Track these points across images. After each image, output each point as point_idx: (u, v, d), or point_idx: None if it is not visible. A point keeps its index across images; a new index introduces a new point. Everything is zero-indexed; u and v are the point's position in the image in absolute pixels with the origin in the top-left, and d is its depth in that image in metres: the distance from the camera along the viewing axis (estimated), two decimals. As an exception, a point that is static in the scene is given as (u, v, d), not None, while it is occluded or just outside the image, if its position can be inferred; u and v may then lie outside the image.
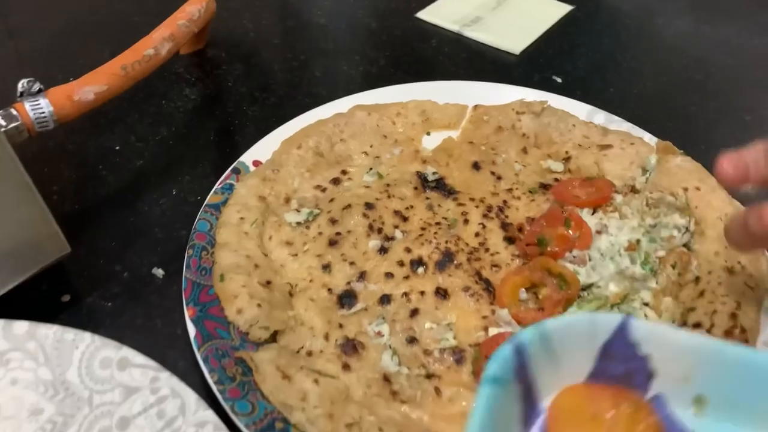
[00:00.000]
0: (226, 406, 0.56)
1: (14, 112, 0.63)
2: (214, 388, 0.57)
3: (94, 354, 0.59)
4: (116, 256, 0.73)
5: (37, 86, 0.64)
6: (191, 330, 0.61)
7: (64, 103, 0.65)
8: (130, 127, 0.89)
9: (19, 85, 0.64)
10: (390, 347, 0.64)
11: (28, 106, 0.63)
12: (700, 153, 0.77)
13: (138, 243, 0.74)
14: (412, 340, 0.64)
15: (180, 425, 0.55)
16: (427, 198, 0.78)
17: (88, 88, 0.66)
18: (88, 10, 1.12)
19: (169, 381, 0.58)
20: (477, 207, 0.76)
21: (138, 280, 0.71)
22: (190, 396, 0.56)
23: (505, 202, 0.77)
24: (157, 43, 0.72)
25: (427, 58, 1.03)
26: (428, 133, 0.87)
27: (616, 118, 0.85)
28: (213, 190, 0.74)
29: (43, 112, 0.64)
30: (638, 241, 0.69)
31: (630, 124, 0.84)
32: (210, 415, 0.55)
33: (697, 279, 0.68)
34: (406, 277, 0.69)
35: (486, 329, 0.65)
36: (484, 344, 0.63)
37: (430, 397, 0.60)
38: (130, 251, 0.73)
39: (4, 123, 0.61)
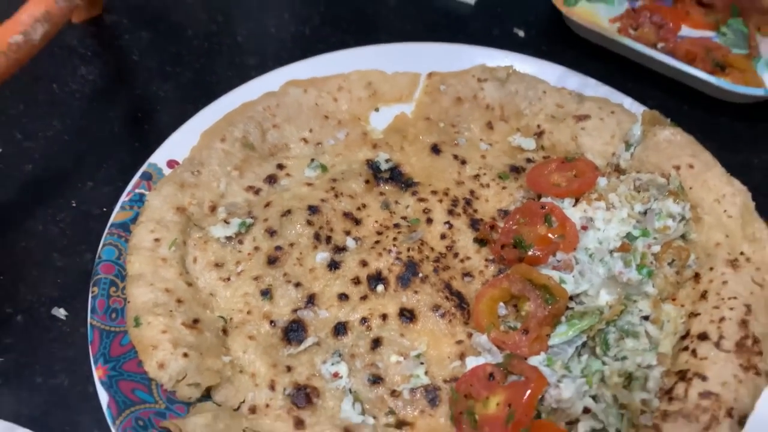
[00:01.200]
0: (153, 500, 0.45)
1: None
2: (135, 477, 0.46)
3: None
4: (6, 294, 0.59)
5: None
6: (103, 397, 0.49)
7: None
8: (15, 120, 0.73)
9: None
10: (350, 391, 0.53)
11: None
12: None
13: (32, 275, 0.61)
14: (376, 380, 0.53)
15: None
16: (382, 193, 0.66)
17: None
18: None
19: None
20: (440, 201, 0.65)
21: (35, 325, 0.57)
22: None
23: (472, 192, 0.66)
24: (26, 26, 0.56)
25: (369, 14, 0.89)
26: (377, 109, 0.74)
27: (591, 80, 0.74)
28: (119, 204, 0.61)
29: None
30: (629, 234, 0.59)
31: (608, 88, 0.73)
32: None
33: (696, 276, 0.59)
34: (364, 298, 0.58)
35: (462, 357, 0.55)
36: (462, 380, 0.53)
37: (403, 453, 0.50)
38: (23, 287, 0.60)
39: None
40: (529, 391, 0.49)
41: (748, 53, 0.84)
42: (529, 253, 0.58)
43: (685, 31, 0.87)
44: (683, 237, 0.61)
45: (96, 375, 0.50)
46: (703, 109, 0.77)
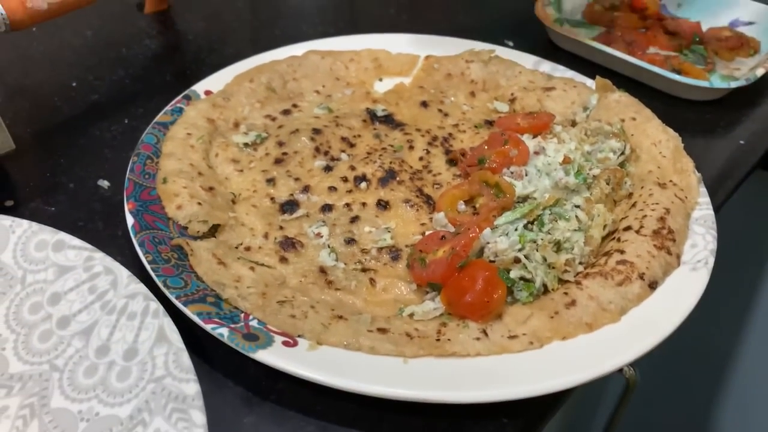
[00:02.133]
0: (158, 281, 0.56)
1: (-34, 10, 0.64)
2: (147, 266, 0.57)
3: (30, 238, 0.60)
4: (63, 170, 0.73)
5: (-10, -11, 0.66)
6: (129, 220, 0.62)
7: (16, 8, 0.67)
8: (89, 68, 0.90)
9: (-27, -13, 0.66)
10: (329, 246, 0.64)
11: (-21, 6, 0.65)
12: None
13: (86, 160, 0.75)
14: (350, 241, 0.65)
15: (111, 298, 0.55)
16: (375, 129, 0.80)
17: (41, -2, 0.68)
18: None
19: (103, 260, 0.58)
20: (423, 136, 0.78)
21: (83, 190, 0.71)
22: (123, 272, 0.57)
23: (450, 134, 0.79)
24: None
25: (384, 24, 1.07)
26: (380, 79, 0.89)
27: (560, 67, 0.88)
28: (163, 111, 0.76)
29: (-5, 14, 0.65)
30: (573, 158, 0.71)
31: (574, 72, 0.87)
32: (141, 287, 0.55)
33: (630, 195, 0.70)
34: (349, 191, 0.71)
35: (423, 234, 0.66)
36: (420, 242, 0.64)
37: (365, 287, 0.61)
38: (78, 167, 0.74)
39: (-46, 19, 0.63)
40: (470, 234, 0.60)
41: (705, 67, 0.98)
42: (486, 164, 0.71)
43: (653, 50, 1.02)
44: (621, 166, 0.72)
45: (126, 208, 0.63)
46: (660, 103, 0.90)
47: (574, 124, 0.80)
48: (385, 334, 0.54)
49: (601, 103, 0.79)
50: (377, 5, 1.14)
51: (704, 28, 1.06)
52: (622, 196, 0.70)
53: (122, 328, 0.54)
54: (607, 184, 0.69)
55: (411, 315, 0.57)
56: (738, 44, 1.02)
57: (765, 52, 1.00)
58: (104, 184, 0.72)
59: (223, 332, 0.52)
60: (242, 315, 0.55)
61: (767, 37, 1.02)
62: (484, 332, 0.55)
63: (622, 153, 0.72)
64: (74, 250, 0.59)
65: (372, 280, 0.61)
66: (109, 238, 0.66)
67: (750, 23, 1.05)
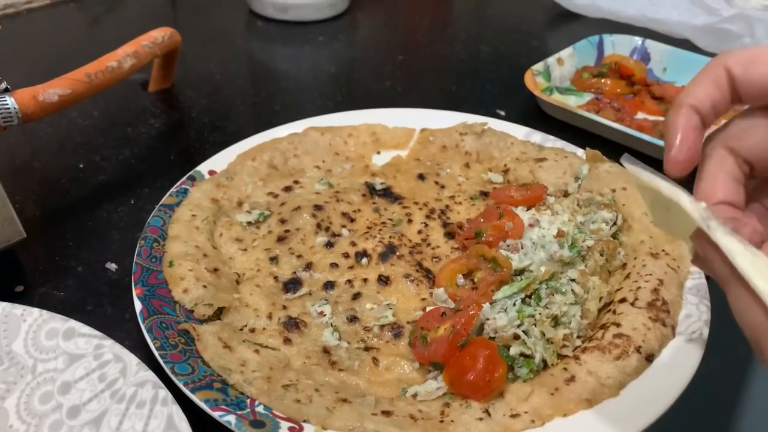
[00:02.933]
0: (167, 368, 0.57)
1: (-19, 106, 0.67)
2: (155, 352, 0.59)
3: (41, 326, 0.61)
4: (72, 254, 0.75)
5: (4, 85, 0.69)
6: (137, 305, 0.63)
7: (29, 102, 0.70)
8: (95, 149, 0.93)
9: (-12, 84, 0.69)
10: (331, 325, 0.66)
11: (-6, 102, 0.68)
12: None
13: (94, 243, 0.77)
14: (353, 319, 0.67)
15: (120, 386, 0.57)
16: (374, 203, 0.82)
17: (52, 91, 0.71)
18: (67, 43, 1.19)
19: (112, 348, 0.59)
20: (420, 209, 0.81)
21: (91, 274, 0.73)
22: (132, 360, 0.58)
23: (447, 206, 0.82)
24: (120, 58, 0.78)
25: (381, 97, 1.10)
26: (378, 152, 0.92)
27: (551, 137, 0.91)
28: (168, 193, 0.78)
29: (8, 109, 0.68)
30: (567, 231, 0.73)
31: (564, 142, 0.90)
32: (150, 375, 0.57)
33: (624, 266, 0.72)
34: (351, 267, 0.72)
35: (424, 310, 0.68)
36: (420, 319, 0.65)
37: (368, 367, 0.62)
38: (86, 250, 0.76)
39: (-30, 115, 0.66)
40: (470, 312, 0.61)
41: (692, 132, 1.01)
42: (483, 238, 0.73)
43: (641, 116, 1.06)
44: (614, 237, 0.74)
45: (134, 293, 0.64)
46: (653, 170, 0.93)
47: (566, 194, 0.82)
48: (390, 417, 0.55)
49: (592, 173, 0.82)
50: (373, 79, 1.18)
51: (689, 91, 1.10)
52: (616, 267, 0.72)
53: (132, 417, 0.55)
54: (601, 255, 0.71)
55: (414, 395, 0.59)
56: (723, 107, 1.05)
57: (749, 114, 1.03)
58: (112, 266, 0.74)
59: (230, 420, 0.53)
60: (248, 401, 0.56)
61: (750, 100, 1.05)
62: (487, 412, 0.56)
63: (615, 223, 0.75)
64: (84, 338, 0.60)
65: (375, 359, 0.63)
66: (117, 322, 0.67)
67: (733, 86, 1.09)
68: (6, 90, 0.70)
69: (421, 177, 0.86)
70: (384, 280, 0.71)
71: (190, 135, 0.98)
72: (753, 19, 1.21)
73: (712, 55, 1.18)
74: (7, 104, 0.69)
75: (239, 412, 0.54)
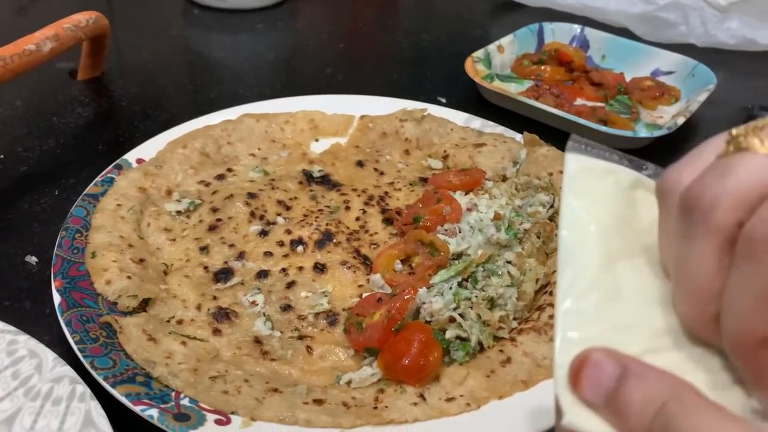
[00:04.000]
0: (86, 362, 0.54)
1: None
2: (74, 346, 0.56)
3: (-51, 324, 0.57)
4: (-11, 249, 0.71)
5: None
6: (56, 298, 0.60)
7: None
8: (18, 139, 0.89)
9: None
10: (264, 314, 0.64)
11: None
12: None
13: (14, 236, 0.73)
14: (286, 308, 0.65)
15: (35, 383, 0.53)
16: (311, 190, 0.80)
17: (-37, 74, 0.67)
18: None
19: (27, 343, 0.56)
20: (359, 196, 0.79)
21: (9, 268, 0.69)
22: (48, 355, 0.55)
23: (386, 193, 0.80)
24: (39, 41, 0.74)
25: (321, 85, 1.08)
26: (317, 140, 0.90)
27: (491, 123, 0.91)
28: (93, 182, 0.74)
29: None
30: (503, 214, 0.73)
31: (504, 128, 0.90)
32: (67, 370, 0.54)
33: (561, 247, 0.71)
34: (286, 256, 0.70)
35: (361, 296, 0.66)
36: (356, 305, 0.64)
37: (301, 356, 0.60)
38: (4, 244, 0.72)
39: None
40: (405, 296, 0.60)
41: (629, 117, 1.02)
42: (421, 223, 0.72)
43: (580, 102, 1.07)
44: (551, 220, 0.74)
45: (54, 286, 0.61)
46: (589, 152, 0.93)
47: (504, 179, 0.82)
48: (322, 406, 0.53)
49: (530, 157, 0.82)
50: (313, 66, 1.16)
51: (627, 78, 1.11)
52: (553, 249, 0.72)
53: (47, 415, 0.51)
54: (538, 237, 0.71)
55: (348, 383, 0.57)
56: (660, 93, 1.06)
57: (684, 100, 1.05)
58: (32, 260, 0.70)
59: (153, 413, 0.51)
60: (173, 394, 0.53)
61: (686, 85, 1.07)
62: (422, 396, 0.54)
63: (551, 206, 0.74)
64: (-4, 334, 0.56)
65: (309, 348, 0.61)
66: (37, 317, 0.64)
67: (670, 72, 1.11)
68: None
69: (360, 164, 0.85)
70: (320, 268, 0.69)
71: (120, 124, 0.94)
72: (688, 8, 1.23)
73: (649, 43, 1.19)
74: None
75: (163, 406, 0.51)
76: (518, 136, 0.88)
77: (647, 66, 1.13)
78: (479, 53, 1.08)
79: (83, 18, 0.83)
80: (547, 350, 0.58)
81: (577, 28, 1.20)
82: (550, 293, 0.65)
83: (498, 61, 1.11)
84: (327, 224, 0.73)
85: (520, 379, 0.56)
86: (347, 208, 0.77)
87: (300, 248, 0.71)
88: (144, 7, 1.35)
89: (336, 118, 0.92)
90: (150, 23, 1.27)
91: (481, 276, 0.65)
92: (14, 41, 0.74)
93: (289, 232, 0.72)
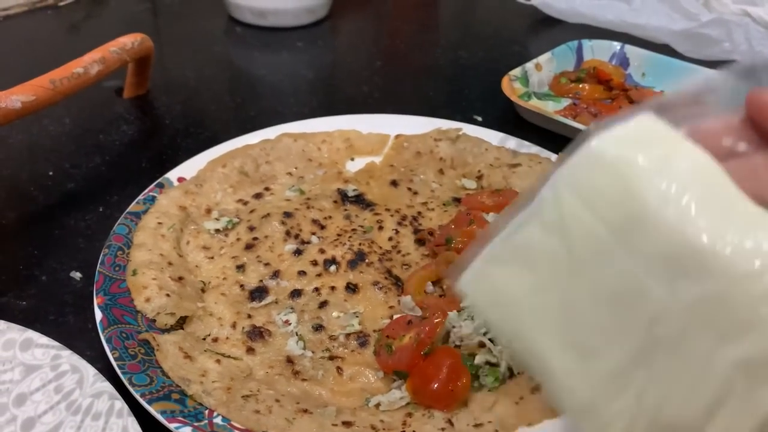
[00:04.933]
0: (124, 379, 0.56)
1: (-60, 113, 0.66)
2: (113, 363, 0.58)
3: (-2, 337, 0.60)
4: (36, 262, 0.74)
5: (-35, 91, 0.68)
6: (98, 315, 0.62)
7: (-10, 108, 0.69)
8: (66, 156, 0.92)
9: (-52, 90, 0.68)
10: (296, 334, 0.65)
11: (-46, 109, 0.67)
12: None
13: (60, 252, 0.76)
14: (318, 328, 0.66)
15: (76, 398, 0.55)
16: (346, 210, 0.81)
17: (15, 97, 0.70)
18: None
19: (70, 358, 0.58)
20: (392, 216, 0.80)
21: (55, 283, 0.72)
22: (89, 371, 0.57)
23: (419, 213, 0.81)
24: (86, 64, 0.77)
25: (357, 102, 1.10)
26: (352, 159, 0.91)
27: (526, 143, 0.91)
28: (135, 200, 0.77)
29: (-31, 115, 0.68)
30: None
31: (539, 148, 0.90)
32: (106, 386, 0.56)
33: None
34: (319, 275, 0.71)
35: (392, 318, 0.67)
36: (386, 327, 0.64)
37: (332, 376, 0.61)
38: (51, 258, 0.75)
39: (-71, 122, 0.65)
40: (435, 320, 0.60)
41: (669, 137, 1.01)
42: (453, 244, 0.72)
43: (618, 121, 1.05)
44: (585, 243, 0.74)
45: (96, 302, 0.63)
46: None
47: (539, 200, 0.81)
48: (350, 428, 0.54)
49: (565, 178, 0.81)
50: (351, 84, 1.18)
51: (667, 97, 1.09)
52: (587, 273, 0.71)
53: (87, 429, 0.53)
54: (572, 261, 0.70)
55: (377, 405, 0.58)
56: (700, 112, 1.05)
57: (726, 119, 1.03)
58: (76, 275, 0.72)
59: (186, 431, 0.52)
60: (207, 412, 0.55)
61: (725, 103, 1.05)
62: (450, 422, 0.55)
63: (586, 229, 0.74)
64: (42, 349, 0.59)
65: (339, 369, 0.62)
66: (80, 332, 0.66)
67: (711, 91, 1.08)
68: (-33, 96, 0.69)
69: (394, 183, 0.86)
70: (352, 288, 0.70)
71: (163, 141, 0.97)
72: (732, 25, 1.21)
73: (691, 60, 1.18)
74: (-32, 111, 0.68)
75: (196, 424, 0.53)
76: (554, 157, 0.87)
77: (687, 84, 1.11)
78: (516, 71, 1.08)
79: (129, 41, 0.87)
80: (578, 378, 0.58)
81: (616, 45, 1.19)
82: (582, 319, 0.64)
83: (536, 79, 1.11)
84: (360, 244, 0.74)
85: (549, 407, 0.56)
86: (380, 228, 0.78)
87: (333, 268, 0.72)
88: (189, 23, 1.38)
89: (371, 137, 0.93)
90: (194, 41, 1.30)
91: (512, 300, 0.64)
92: (64, 64, 0.77)
93: (322, 251, 0.74)
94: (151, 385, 0.56)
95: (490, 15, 1.53)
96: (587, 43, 1.19)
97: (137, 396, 0.55)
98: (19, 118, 0.72)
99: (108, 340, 0.60)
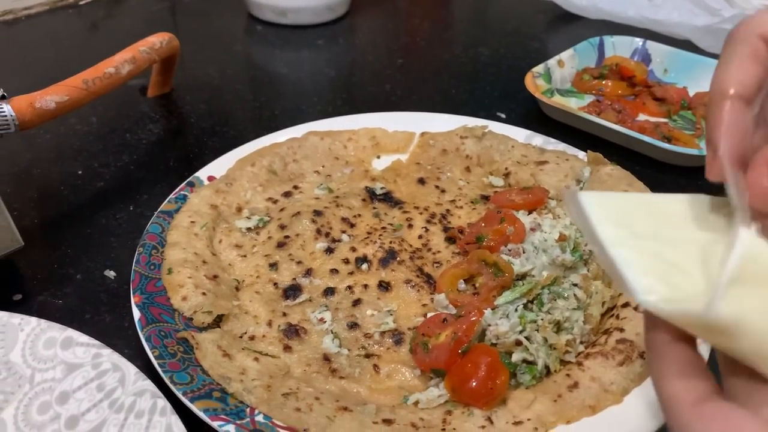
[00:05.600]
0: (165, 378, 0.57)
1: (-23, 114, 0.67)
2: (154, 361, 0.58)
3: (39, 335, 0.61)
4: (70, 262, 0.75)
5: (0, 92, 0.68)
6: (136, 314, 0.63)
7: (26, 109, 0.69)
8: (94, 155, 0.93)
9: (-16, 91, 0.68)
10: (332, 332, 0.65)
11: (-9, 109, 0.67)
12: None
13: (93, 250, 0.77)
14: (353, 326, 0.66)
15: (119, 396, 0.56)
16: (374, 208, 0.82)
17: (49, 98, 0.71)
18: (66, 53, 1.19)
19: (110, 357, 0.59)
20: (421, 214, 0.80)
21: (90, 281, 0.73)
22: (130, 369, 0.57)
23: (448, 210, 0.81)
24: (118, 64, 0.78)
25: (380, 101, 1.10)
26: (378, 157, 0.92)
27: (552, 140, 0.91)
28: (167, 199, 0.78)
29: (5, 116, 0.68)
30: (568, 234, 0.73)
31: (566, 145, 0.89)
32: (148, 384, 0.56)
33: (627, 269, 0.71)
34: (351, 273, 0.72)
35: (425, 316, 0.67)
36: (422, 325, 0.65)
37: (369, 374, 0.62)
38: (85, 257, 0.76)
39: (-33, 123, 0.65)
40: (471, 318, 0.61)
41: (694, 133, 1.01)
42: (485, 243, 0.72)
43: (642, 117, 1.05)
44: (616, 240, 0.74)
45: (133, 301, 0.64)
46: (652, 170, 0.92)
47: (568, 197, 0.81)
48: (391, 426, 0.54)
49: (594, 176, 0.81)
50: (373, 82, 1.18)
51: (691, 93, 1.09)
52: (618, 271, 0.71)
53: (130, 427, 0.54)
54: (604, 259, 0.70)
55: (416, 403, 0.58)
56: (724, 108, 1.04)
57: (751, 115, 1.03)
58: (110, 274, 0.73)
59: (230, 429, 0.53)
60: (248, 410, 0.55)
61: (752, 100, 1.04)
62: (489, 419, 0.55)
63: (617, 227, 0.74)
64: (82, 347, 0.60)
65: (375, 366, 0.62)
66: (116, 330, 0.67)
67: (735, 87, 1.08)
68: (3, 97, 0.69)
69: (421, 181, 0.86)
70: (384, 286, 0.70)
71: (189, 140, 0.98)
72: (754, 20, 1.20)
73: (713, 56, 1.17)
74: (4, 112, 0.68)
75: (239, 422, 0.53)
76: (581, 154, 0.87)
77: (710, 80, 1.11)
78: (539, 68, 1.08)
79: (157, 40, 0.87)
80: (615, 375, 0.58)
81: (638, 41, 1.18)
82: (617, 317, 0.64)
83: (558, 75, 1.11)
84: (390, 242, 0.75)
85: (587, 404, 0.56)
86: (410, 226, 0.78)
87: (365, 266, 0.72)
88: (207, 22, 1.39)
89: (397, 135, 0.93)
90: (214, 39, 1.31)
91: (546, 298, 0.65)
92: (95, 65, 0.77)
93: (353, 249, 0.74)
94: (192, 383, 0.57)
95: (508, 11, 1.53)
96: (609, 40, 1.19)
97: (179, 394, 0.55)
98: (52, 118, 0.73)
99: (147, 339, 0.60)
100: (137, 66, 0.81)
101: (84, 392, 0.57)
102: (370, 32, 1.40)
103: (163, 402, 0.55)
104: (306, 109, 1.06)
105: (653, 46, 1.17)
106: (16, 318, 0.62)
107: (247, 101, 1.09)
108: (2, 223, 0.66)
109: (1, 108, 0.68)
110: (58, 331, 0.61)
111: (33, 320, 0.62)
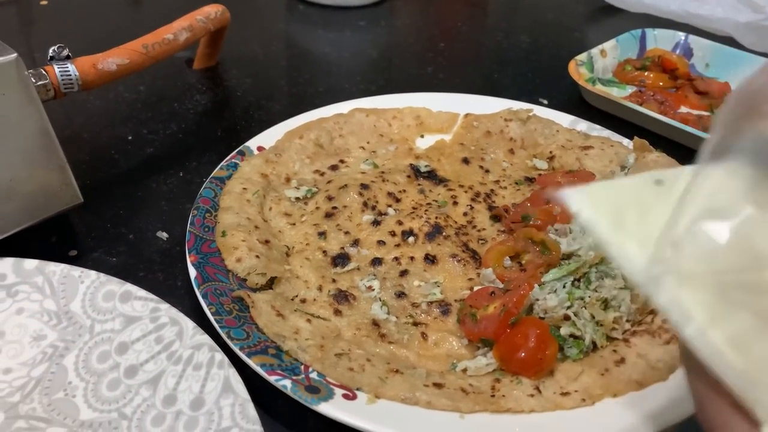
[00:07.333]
0: (222, 333, 0.58)
1: (44, 72, 0.68)
2: (211, 317, 0.60)
3: (99, 288, 0.63)
4: (123, 222, 0.77)
5: (65, 52, 0.70)
6: (192, 272, 0.64)
7: (89, 70, 0.71)
8: (143, 122, 0.95)
9: (51, 50, 0.70)
10: (380, 299, 0.67)
11: (56, 68, 0.69)
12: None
13: (144, 212, 0.78)
14: (401, 295, 0.67)
15: (177, 348, 0.58)
16: (419, 184, 0.83)
17: (111, 60, 0.72)
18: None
19: (168, 311, 0.60)
20: (466, 192, 0.81)
21: (143, 241, 0.74)
22: (188, 323, 0.59)
23: (492, 190, 0.82)
24: (176, 30, 0.80)
25: (423, 82, 1.11)
26: (422, 136, 0.93)
27: (597, 126, 0.91)
28: (219, 166, 0.79)
29: (69, 75, 0.70)
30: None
31: (610, 132, 0.90)
32: (206, 338, 0.58)
33: (671, 254, 0.72)
34: (398, 245, 0.73)
35: (471, 289, 0.68)
36: (469, 297, 0.66)
37: (417, 341, 0.63)
38: (136, 218, 0.77)
39: (34, 80, 0.67)
40: (521, 291, 0.62)
41: (736, 127, 1.01)
42: (531, 222, 0.73)
43: (684, 110, 1.06)
44: (661, 225, 0.74)
45: (189, 260, 0.65)
46: (693, 162, 0.92)
47: (612, 182, 0.82)
48: (441, 389, 0.55)
49: (639, 162, 0.82)
50: (414, 64, 1.19)
51: (733, 87, 1.09)
52: (663, 255, 0.72)
53: (188, 378, 0.56)
54: (649, 242, 0.71)
55: (464, 370, 0.59)
56: (767, 104, 1.04)
57: (794, 112, 1.02)
58: (163, 235, 0.75)
59: (286, 384, 0.54)
60: (302, 367, 0.57)
61: None
62: (537, 389, 0.56)
63: (662, 212, 0.74)
64: (140, 301, 0.61)
65: (423, 334, 0.63)
66: (169, 288, 0.68)
67: (778, 83, 1.08)
68: (68, 57, 0.71)
69: (465, 161, 0.87)
70: (431, 259, 0.71)
71: (236, 112, 0.99)
72: (799, 18, 1.20)
73: (755, 53, 1.17)
74: (69, 71, 0.70)
75: (294, 378, 0.55)
76: (625, 141, 0.88)
77: (753, 75, 1.11)
78: (582, 56, 1.09)
79: (212, 11, 0.89)
80: (661, 353, 0.59)
81: (681, 35, 1.18)
82: (662, 298, 0.65)
83: (600, 65, 1.11)
84: (436, 218, 0.76)
85: (634, 380, 0.57)
86: (455, 203, 0.79)
87: (411, 239, 0.73)
88: (249, 0, 1.40)
89: (441, 116, 0.94)
90: (257, 16, 1.32)
91: (594, 277, 0.65)
92: (155, 31, 0.79)
93: (400, 223, 0.75)
94: (248, 339, 0.58)
95: (547, 2, 1.53)
96: (651, 32, 1.19)
97: (236, 349, 0.57)
98: (113, 80, 0.74)
99: (204, 296, 0.62)
100: (193, 34, 0.83)
101: (142, 344, 0.59)
102: (411, 16, 1.41)
103: (220, 356, 0.56)
104: (349, 88, 1.07)
105: (695, 41, 1.17)
106: (76, 270, 0.63)
107: (291, 78, 1.11)
108: (65, 179, 0.68)
109: (66, 67, 0.70)
110: (117, 285, 0.62)
111: (92, 273, 0.63)
